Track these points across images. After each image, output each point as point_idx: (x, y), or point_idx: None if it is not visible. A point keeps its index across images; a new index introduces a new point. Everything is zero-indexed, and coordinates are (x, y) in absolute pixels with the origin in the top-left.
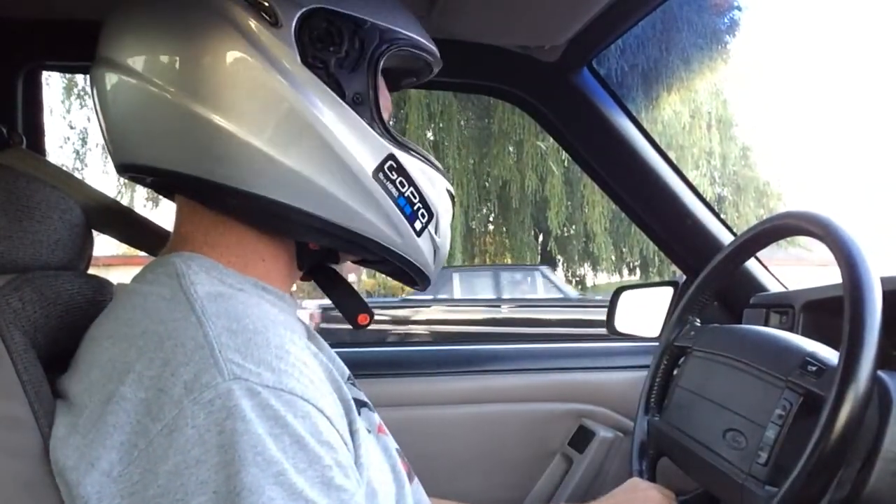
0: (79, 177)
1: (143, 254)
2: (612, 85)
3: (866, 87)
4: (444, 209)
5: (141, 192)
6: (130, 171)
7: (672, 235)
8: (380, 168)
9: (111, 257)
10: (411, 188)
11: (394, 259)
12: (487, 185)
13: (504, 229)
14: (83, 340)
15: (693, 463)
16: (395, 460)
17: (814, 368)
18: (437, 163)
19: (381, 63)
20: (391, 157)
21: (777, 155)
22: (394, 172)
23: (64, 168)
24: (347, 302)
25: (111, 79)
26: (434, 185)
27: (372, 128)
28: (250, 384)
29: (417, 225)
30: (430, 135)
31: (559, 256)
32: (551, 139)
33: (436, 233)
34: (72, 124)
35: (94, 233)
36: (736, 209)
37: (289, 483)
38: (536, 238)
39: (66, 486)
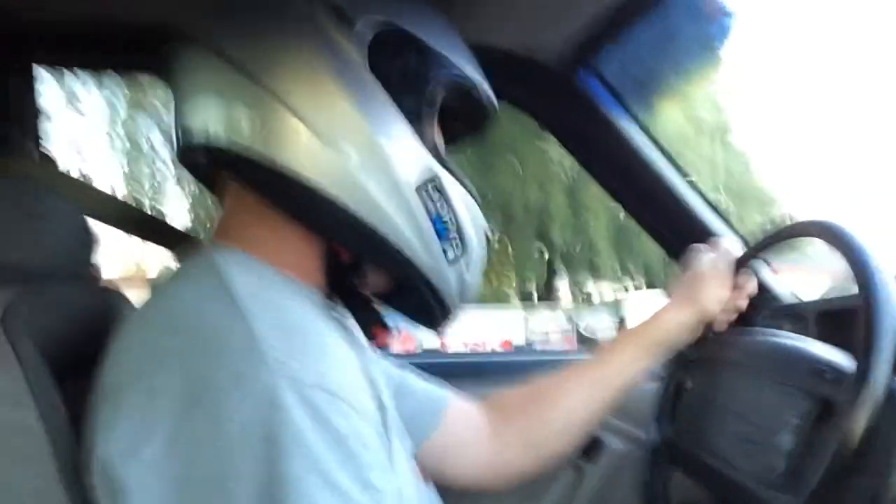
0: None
1: (148, 277)
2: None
3: (865, 88)
4: (478, 246)
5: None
6: (198, 149)
7: (676, 236)
8: (424, 184)
9: (116, 280)
10: (450, 213)
11: (419, 281)
12: (489, 198)
13: (508, 243)
14: (118, 333)
15: (707, 474)
16: (413, 465)
17: (829, 376)
18: (479, 199)
19: (437, 88)
20: (436, 177)
21: (777, 161)
22: (436, 192)
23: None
24: (366, 316)
25: (199, 57)
26: (473, 218)
27: (424, 145)
28: (294, 380)
29: (450, 253)
30: None
31: (563, 267)
32: (551, 140)
33: (467, 269)
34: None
35: (101, 251)
36: (740, 221)
37: (330, 477)
38: (541, 252)
39: (107, 480)
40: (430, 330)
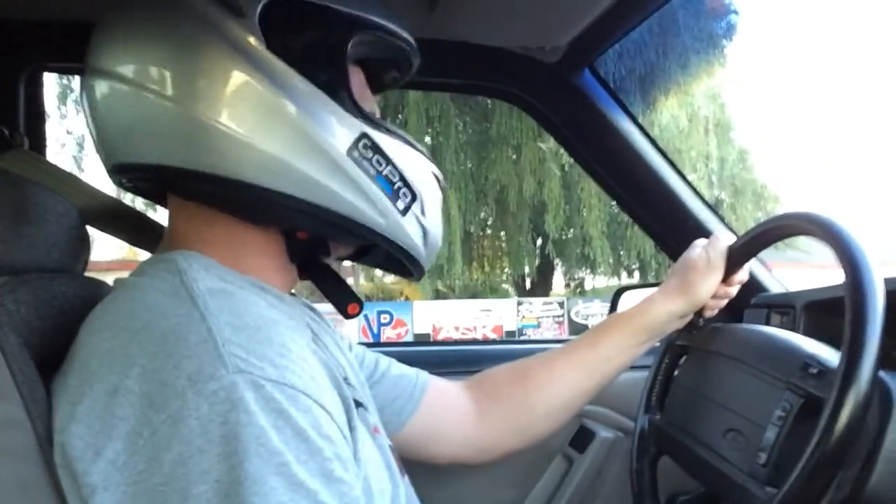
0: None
1: (143, 259)
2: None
3: (865, 89)
4: (429, 191)
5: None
6: (122, 172)
7: (673, 235)
8: (353, 146)
9: (110, 262)
10: (389, 166)
11: (380, 242)
12: (485, 189)
13: (502, 233)
14: (80, 331)
15: (693, 462)
16: (389, 458)
17: (814, 370)
18: (420, 147)
19: (349, 48)
20: (364, 135)
21: (775, 157)
22: (369, 151)
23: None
24: (338, 293)
25: (98, 85)
26: (416, 165)
27: (343, 108)
28: (254, 377)
29: (400, 204)
30: (428, 139)
31: (557, 260)
32: (552, 140)
33: (422, 214)
34: (69, 130)
35: (93, 237)
36: (734, 212)
37: (290, 474)
38: (534, 242)
39: (71, 476)
40: (409, 278)
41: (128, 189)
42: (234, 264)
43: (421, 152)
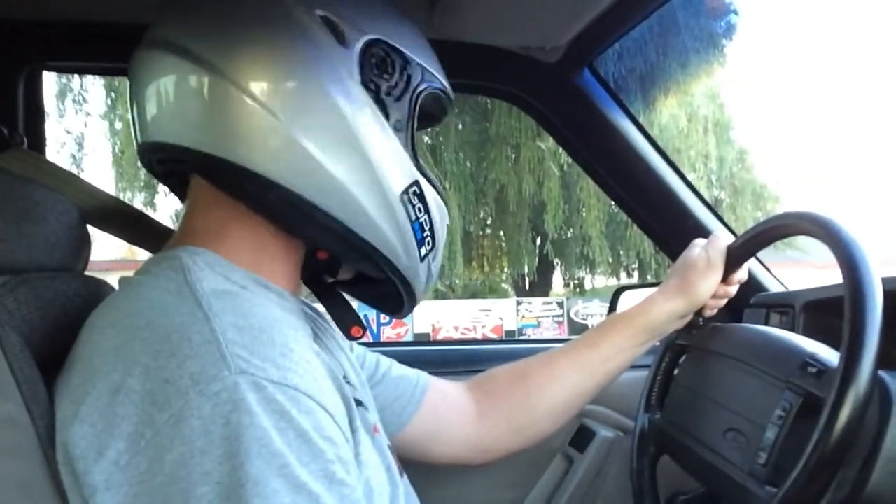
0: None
1: (141, 259)
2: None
3: (864, 88)
4: (443, 240)
5: (139, 195)
6: (156, 151)
7: (673, 235)
8: (406, 191)
9: (110, 262)
10: (426, 215)
11: (398, 280)
12: (484, 188)
13: (501, 233)
14: (83, 329)
15: (693, 462)
16: (389, 460)
17: (814, 370)
18: (446, 196)
19: (421, 98)
20: (416, 183)
21: (774, 157)
22: (416, 198)
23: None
24: (343, 314)
25: (163, 58)
26: (442, 217)
27: (407, 153)
28: (256, 378)
29: (423, 251)
30: (427, 139)
31: (557, 259)
32: (552, 140)
33: (434, 260)
34: (68, 129)
35: (93, 237)
36: (733, 211)
37: (292, 476)
38: (534, 241)
39: (72, 476)
40: (393, 316)
41: (149, 170)
42: (247, 264)
43: (446, 203)
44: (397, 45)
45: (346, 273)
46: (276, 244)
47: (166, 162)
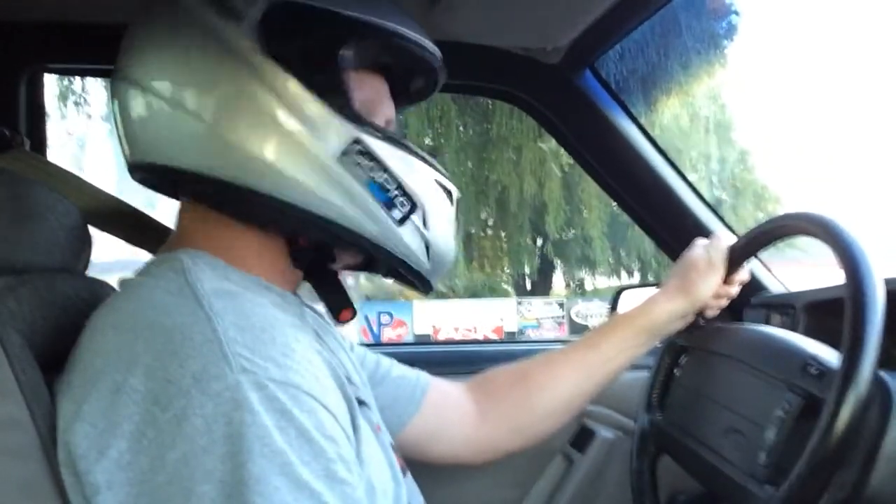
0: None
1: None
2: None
3: (865, 89)
4: (434, 202)
5: (141, 193)
6: (137, 169)
7: (673, 236)
8: (346, 152)
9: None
10: (385, 174)
11: (373, 250)
12: (486, 189)
13: (502, 233)
14: (84, 330)
15: (694, 462)
16: (392, 458)
17: (814, 371)
18: (427, 156)
19: (349, 52)
20: (357, 140)
21: (775, 158)
22: (362, 157)
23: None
24: (333, 297)
25: (117, 85)
26: (419, 175)
27: (338, 113)
28: (258, 377)
29: (396, 213)
30: (428, 140)
31: (557, 260)
32: (552, 141)
33: (424, 226)
34: (69, 130)
35: (94, 236)
36: (734, 212)
37: (294, 474)
38: (534, 242)
39: (74, 476)
40: (418, 291)
41: (145, 185)
42: (241, 265)
43: (425, 161)
44: (308, 2)
45: (346, 257)
46: (252, 240)
47: (145, 179)
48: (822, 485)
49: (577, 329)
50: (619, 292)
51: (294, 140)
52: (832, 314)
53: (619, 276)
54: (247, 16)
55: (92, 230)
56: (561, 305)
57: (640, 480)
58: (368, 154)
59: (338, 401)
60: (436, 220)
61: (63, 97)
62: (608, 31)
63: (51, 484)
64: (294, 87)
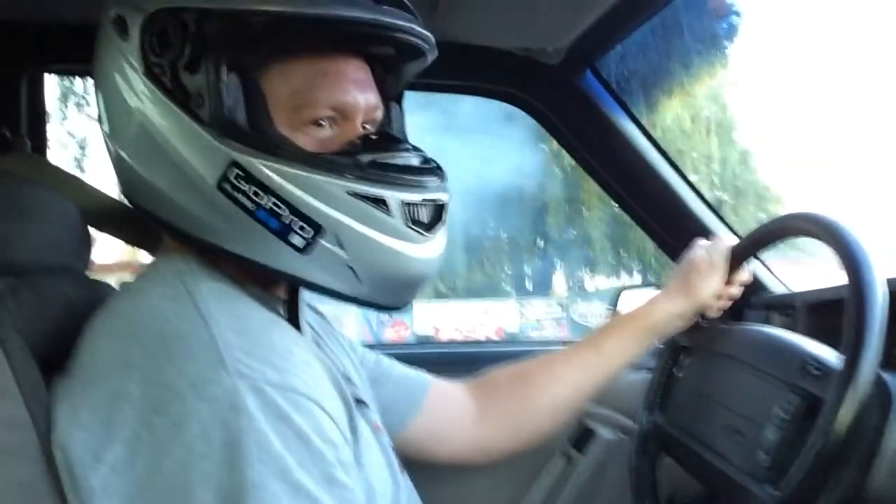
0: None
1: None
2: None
3: (866, 90)
4: (346, 219)
5: None
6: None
7: (675, 237)
8: (224, 178)
9: (111, 264)
10: (272, 199)
11: (294, 283)
12: (486, 189)
13: (503, 233)
14: (83, 334)
15: (694, 462)
16: (391, 458)
17: (815, 371)
18: (340, 160)
19: (230, 53)
20: (234, 164)
21: (777, 158)
22: (243, 182)
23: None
24: (293, 315)
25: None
26: (322, 192)
27: (210, 133)
28: (255, 382)
29: (297, 240)
30: None
31: (558, 260)
32: (553, 142)
33: (342, 248)
34: (70, 131)
35: (94, 237)
36: (735, 213)
37: (293, 479)
38: (535, 242)
39: (71, 480)
40: (382, 311)
41: None
42: (225, 270)
43: (336, 173)
44: (183, 4)
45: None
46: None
47: None
48: (822, 484)
49: (577, 329)
50: (619, 292)
51: (177, 168)
52: (833, 314)
53: (619, 277)
54: (132, 33)
55: (92, 230)
56: (562, 305)
57: (640, 480)
58: (249, 178)
59: (336, 404)
60: (354, 237)
61: (64, 98)
62: (609, 31)
63: (50, 484)
64: (168, 108)
